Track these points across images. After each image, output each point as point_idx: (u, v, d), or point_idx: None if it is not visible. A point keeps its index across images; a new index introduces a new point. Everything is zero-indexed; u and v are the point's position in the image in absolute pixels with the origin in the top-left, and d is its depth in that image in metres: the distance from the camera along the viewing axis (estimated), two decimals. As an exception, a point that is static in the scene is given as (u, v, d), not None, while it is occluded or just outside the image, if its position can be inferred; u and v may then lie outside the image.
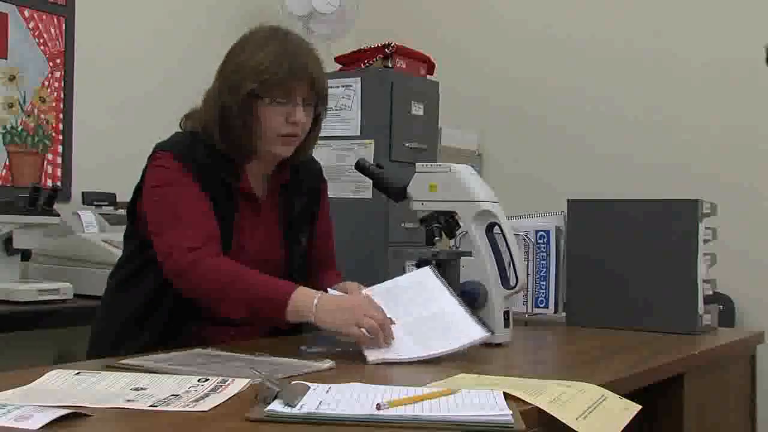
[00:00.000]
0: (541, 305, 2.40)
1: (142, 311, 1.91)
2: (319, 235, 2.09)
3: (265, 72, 1.83)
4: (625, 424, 1.29)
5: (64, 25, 3.38)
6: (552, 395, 1.29)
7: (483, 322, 1.78)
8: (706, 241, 2.28)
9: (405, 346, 1.68)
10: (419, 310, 1.77)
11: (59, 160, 3.36)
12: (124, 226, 3.05)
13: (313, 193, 2.07)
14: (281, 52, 1.84)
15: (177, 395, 1.25)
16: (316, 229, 2.08)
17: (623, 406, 1.36)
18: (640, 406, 1.38)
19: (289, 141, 1.89)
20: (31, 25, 3.27)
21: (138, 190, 1.95)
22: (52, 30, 3.35)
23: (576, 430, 1.20)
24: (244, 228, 1.92)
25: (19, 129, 3.24)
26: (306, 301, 1.70)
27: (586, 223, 2.35)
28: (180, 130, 1.98)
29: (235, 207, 1.91)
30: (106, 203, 3.17)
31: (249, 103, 1.85)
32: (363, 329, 1.65)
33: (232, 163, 1.91)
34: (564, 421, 1.21)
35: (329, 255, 2.14)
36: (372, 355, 1.64)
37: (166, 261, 1.81)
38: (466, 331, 1.73)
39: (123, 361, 1.49)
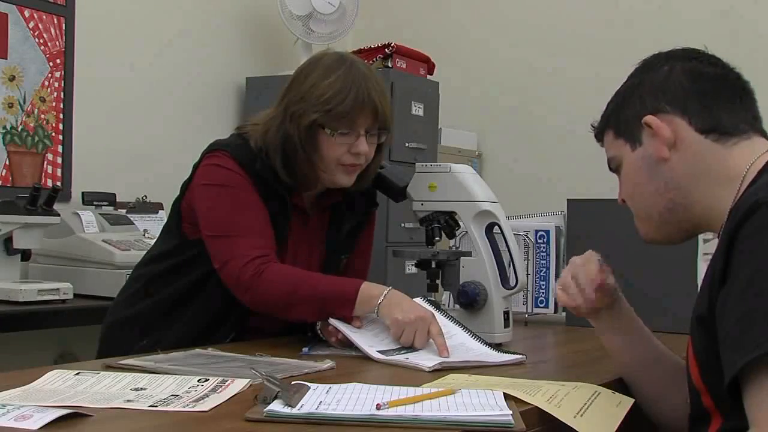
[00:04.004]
0: (541, 305, 2.40)
1: (172, 306, 1.90)
2: (357, 254, 2.06)
3: (328, 103, 1.79)
4: (621, 418, 1.29)
5: (64, 25, 3.38)
6: (548, 394, 1.29)
7: (511, 351, 1.75)
8: (706, 241, 2.27)
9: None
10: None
11: (59, 160, 3.36)
12: (124, 226, 3.10)
13: (363, 217, 2.04)
14: (345, 83, 1.80)
15: (177, 395, 1.25)
16: (356, 247, 2.05)
17: (617, 400, 1.36)
18: (633, 399, 1.38)
19: (351, 170, 1.86)
20: (31, 25, 3.27)
21: (185, 189, 1.91)
22: (52, 30, 3.35)
23: (574, 428, 1.20)
24: (292, 244, 1.89)
25: (19, 129, 3.24)
26: (374, 291, 1.72)
27: (586, 223, 2.34)
28: (235, 133, 1.93)
29: (288, 221, 1.88)
30: (106, 203, 3.17)
31: (311, 133, 1.81)
32: (413, 338, 1.67)
33: (287, 183, 1.88)
34: (562, 420, 1.21)
35: (361, 275, 2.08)
36: (430, 362, 1.59)
37: (225, 269, 1.78)
38: (503, 356, 1.71)
39: (123, 362, 1.48)
